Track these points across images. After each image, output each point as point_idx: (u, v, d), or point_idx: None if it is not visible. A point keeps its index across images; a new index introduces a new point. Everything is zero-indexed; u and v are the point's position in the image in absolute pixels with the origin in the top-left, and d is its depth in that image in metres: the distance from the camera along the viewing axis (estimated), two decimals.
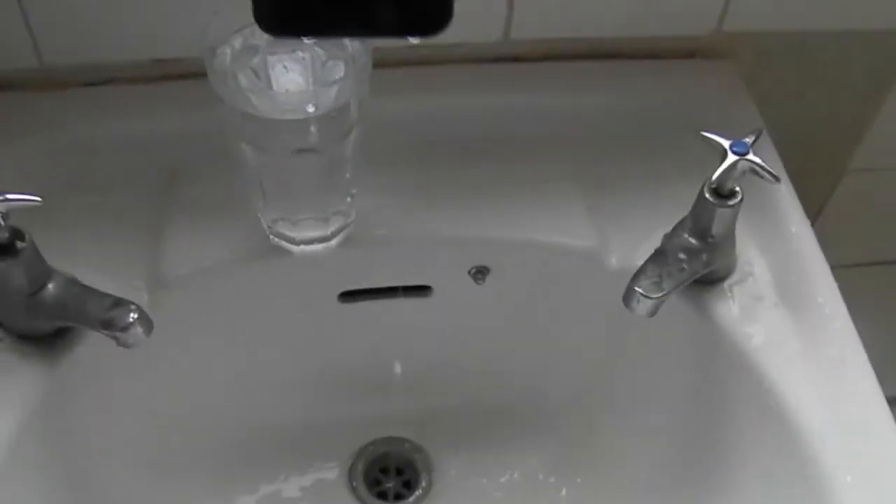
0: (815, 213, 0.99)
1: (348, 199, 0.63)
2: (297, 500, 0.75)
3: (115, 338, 0.57)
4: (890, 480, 0.58)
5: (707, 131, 0.59)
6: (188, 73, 0.68)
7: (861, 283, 1.08)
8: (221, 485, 0.73)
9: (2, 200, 0.54)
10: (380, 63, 0.58)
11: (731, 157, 0.58)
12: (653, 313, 0.59)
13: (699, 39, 0.74)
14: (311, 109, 0.54)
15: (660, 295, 0.58)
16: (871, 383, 0.61)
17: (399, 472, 0.77)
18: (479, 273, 0.68)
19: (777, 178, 0.58)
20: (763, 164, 0.58)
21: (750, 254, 0.67)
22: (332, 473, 0.76)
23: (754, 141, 0.59)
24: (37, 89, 0.69)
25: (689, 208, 0.62)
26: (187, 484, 0.72)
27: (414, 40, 0.35)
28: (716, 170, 0.58)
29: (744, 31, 0.74)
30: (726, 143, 0.59)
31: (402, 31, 0.33)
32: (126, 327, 0.57)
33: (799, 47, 0.77)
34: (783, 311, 0.64)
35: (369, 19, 0.33)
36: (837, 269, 0.68)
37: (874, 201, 1.00)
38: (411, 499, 0.76)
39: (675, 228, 0.63)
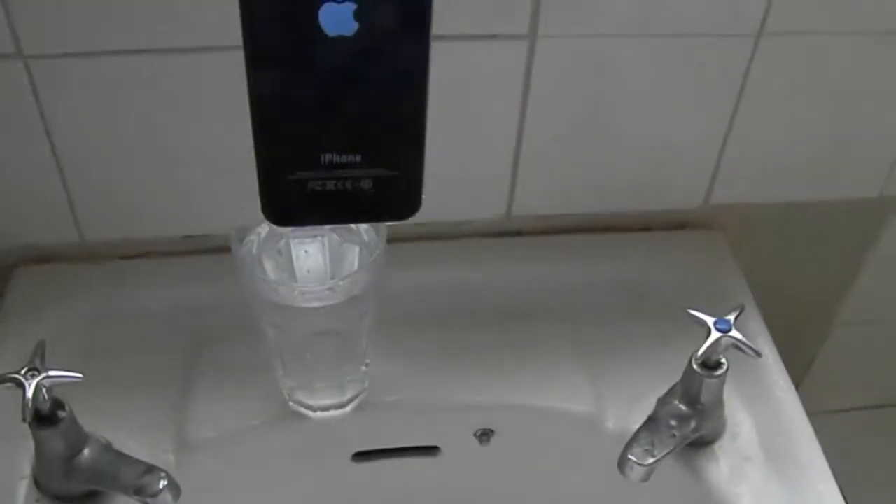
0: (808, 361, 1.03)
1: (363, 368, 0.68)
2: None
3: (146, 503, 0.62)
4: None
5: (693, 309, 0.65)
6: (216, 248, 0.74)
7: (860, 426, 1.12)
8: None
9: (45, 377, 0.59)
10: (394, 237, 0.63)
11: (715, 334, 0.63)
12: (646, 478, 0.63)
13: (688, 212, 0.80)
14: (330, 300, 0.59)
15: (651, 462, 0.63)
16: None
17: None
18: (485, 435, 0.73)
19: (758, 354, 0.63)
20: (744, 340, 0.63)
21: (738, 415, 0.71)
22: None
23: (737, 317, 0.64)
24: (76, 262, 0.76)
25: (681, 371, 0.67)
26: None
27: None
28: (702, 345, 0.63)
29: (730, 203, 0.80)
30: (710, 321, 0.64)
31: (380, 218, 0.42)
32: (156, 493, 0.61)
33: (783, 216, 0.83)
34: (770, 471, 0.68)
35: (354, 212, 0.41)
36: (832, 413, 0.72)
37: (865, 349, 1.04)
38: None
39: (666, 395, 0.68)
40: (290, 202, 0.40)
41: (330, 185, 0.39)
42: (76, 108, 0.66)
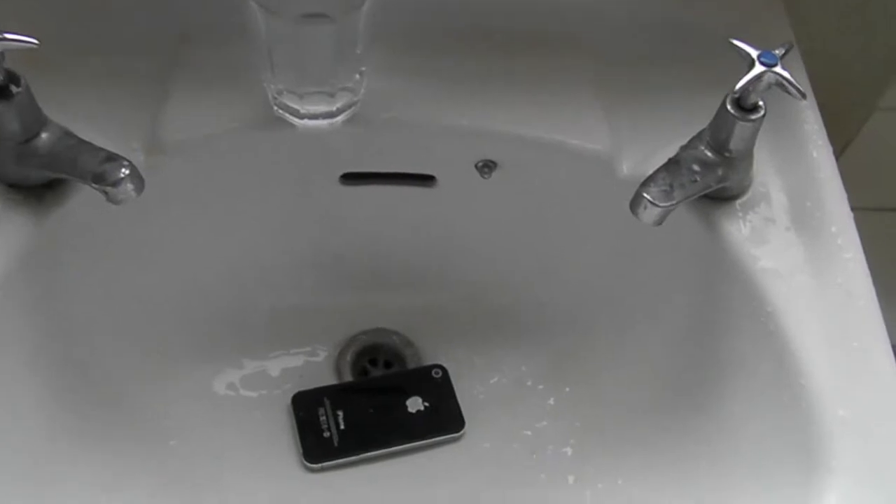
0: (838, 152, 0.96)
1: (357, 75, 0.61)
2: (279, 381, 0.74)
3: (105, 192, 0.56)
4: (882, 420, 0.57)
5: (736, 39, 0.57)
6: None
7: (878, 228, 1.06)
8: (205, 358, 0.72)
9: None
10: None
11: (759, 68, 0.55)
12: (659, 222, 0.57)
13: None
14: None
15: (668, 204, 0.56)
16: (876, 321, 0.60)
17: (387, 364, 0.76)
18: (486, 167, 0.66)
19: (803, 95, 0.56)
20: (791, 78, 0.55)
21: (766, 175, 0.65)
22: (318, 358, 0.75)
23: (784, 54, 0.56)
24: None
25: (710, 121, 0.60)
26: (172, 352, 0.71)
27: None
28: (740, 79, 0.56)
29: None
30: (755, 53, 0.56)
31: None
32: (117, 182, 0.56)
33: None
34: (794, 237, 0.62)
35: None
36: (855, 210, 0.66)
37: None
38: None
39: (692, 140, 0.61)
40: None
41: None
42: None
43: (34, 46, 0.53)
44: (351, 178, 0.67)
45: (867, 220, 0.75)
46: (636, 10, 0.70)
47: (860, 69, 0.85)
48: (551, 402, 0.75)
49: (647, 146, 0.65)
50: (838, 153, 0.95)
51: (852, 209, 0.64)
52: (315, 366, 0.75)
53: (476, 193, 0.68)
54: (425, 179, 0.68)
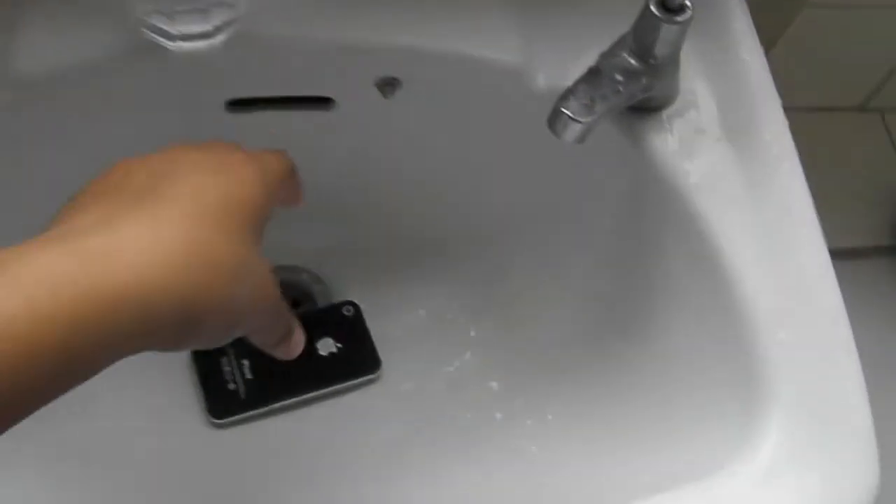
0: (766, 45, 0.91)
1: None
2: None
3: None
4: (823, 342, 0.53)
5: None
6: None
7: (806, 129, 1.02)
8: None
9: None
10: None
11: None
12: (581, 140, 0.52)
13: None
14: None
15: (590, 119, 0.51)
16: (815, 237, 0.55)
17: (295, 304, 0.70)
18: (388, 85, 0.60)
19: None
20: None
21: (694, 82, 0.59)
22: None
23: None
24: None
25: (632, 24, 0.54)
26: None
27: None
28: None
29: None
30: None
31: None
32: None
33: None
34: (726, 148, 0.57)
35: None
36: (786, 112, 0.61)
37: (824, 45, 0.93)
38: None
39: (613, 46, 0.55)
40: None
41: None
42: None
43: None
44: (238, 105, 0.60)
45: (796, 121, 0.71)
46: None
47: None
48: (473, 334, 0.70)
49: (564, 55, 0.59)
50: (765, 52, 0.90)
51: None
52: None
53: (379, 115, 0.61)
54: (322, 102, 0.61)
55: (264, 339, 0.43)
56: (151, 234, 0.34)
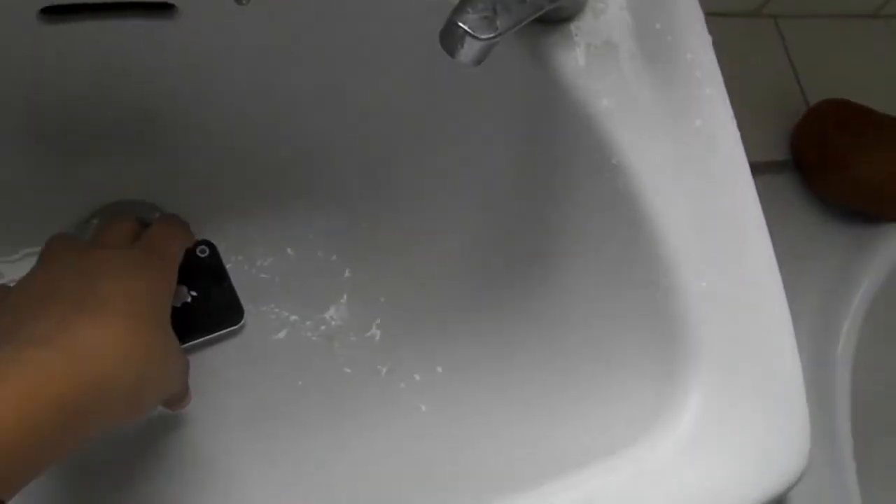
0: None
1: None
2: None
3: None
4: (747, 290, 0.47)
5: None
6: None
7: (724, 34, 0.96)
8: None
9: None
10: None
11: None
12: (479, 60, 0.43)
13: None
14: None
15: (491, 35, 0.42)
16: (741, 168, 0.49)
17: None
18: None
19: None
20: None
21: None
22: None
23: None
24: None
25: None
26: None
27: None
28: None
29: None
30: None
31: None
32: None
33: None
34: (642, 66, 0.50)
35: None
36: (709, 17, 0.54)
37: None
38: None
39: None
40: None
41: None
42: None
43: None
44: (56, 13, 0.48)
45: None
46: None
47: None
48: (348, 274, 0.62)
49: None
50: None
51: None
52: None
53: (232, 24, 0.50)
54: (161, 9, 0.50)
55: (173, 400, 0.51)
56: (101, 333, 0.42)
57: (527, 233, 0.55)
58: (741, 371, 0.46)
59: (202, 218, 0.59)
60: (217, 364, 0.58)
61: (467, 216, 0.58)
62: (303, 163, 0.61)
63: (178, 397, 0.51)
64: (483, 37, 0.42)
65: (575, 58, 0.49)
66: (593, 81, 0.49)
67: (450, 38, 0.42)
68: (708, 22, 0.88)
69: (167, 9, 0.49)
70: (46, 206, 0.57)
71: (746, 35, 1.01)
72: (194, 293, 0.58)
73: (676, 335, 0.46)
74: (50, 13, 0.48)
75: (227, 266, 0.59)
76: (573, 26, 0.49)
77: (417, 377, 0.57)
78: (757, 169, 0.75)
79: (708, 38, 0.51)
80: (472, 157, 0.56)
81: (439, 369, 0.57)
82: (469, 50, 0.42)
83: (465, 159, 0.57)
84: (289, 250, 0.62)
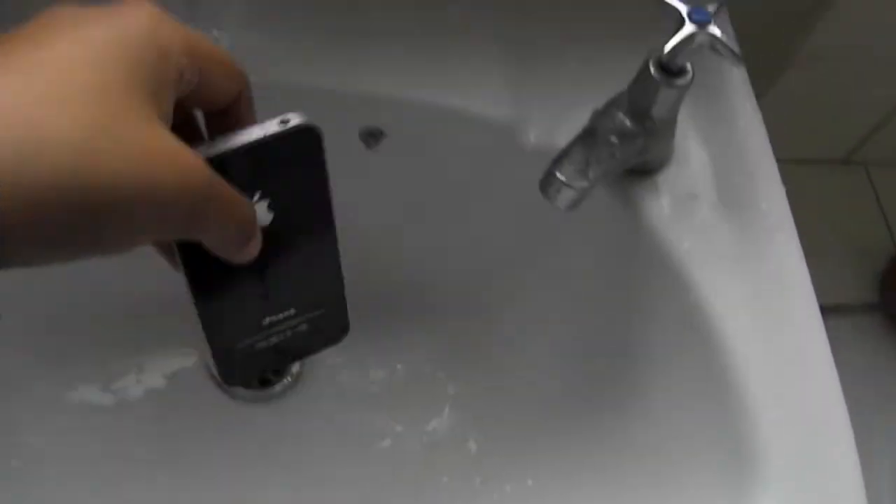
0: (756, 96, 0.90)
1: (214, 33, 0.51)
2: (159, 392, 0.64)
3: None
4: (817, 421, 0.51)
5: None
6: None
7: (790, 181, 1.01)
8: (57, 374, 0.62)
9: None
10: None
11: (689, 27, 0.47)
12: (574, 206, 0.49)
13: None
14: None
15: (585, 185, 0.49)
16: (810, 308, 0.54)
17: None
18: (372, 136, 0.57)
19: (740, 59, 0.48)
20: (725, 40, 0.47)
21: (689, 144, 0.58)
22: (188, 361, 0.66)
23: (717, 10, 0.49)
24: None
25: (627, 83, 0.52)
26: (18, 365, 0.61)
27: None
28: (668, 40, 0.48)
29: None
30: (684, 9, 0.48)
31: (319, 348, 0.43)
32: None
33: None
34: (721, 214, 0.55)
35: (296, 351, 0.42)
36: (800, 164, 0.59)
37: (810, 98, 0.92)
38: (278, 387, 0.66)
39: (608, 105, 0.53)
40: (243, 365, 0.41)
41: (273, 339, 0.41)
42: None
43: None
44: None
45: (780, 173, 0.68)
46: None
47: (776, 20, 0.79)
48: (451, 391, 0.68)
49: (557, 110, 0.57)
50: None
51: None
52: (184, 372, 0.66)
53: (362, 165, 0.58)
54: None
55: (213, 237, 0.33)
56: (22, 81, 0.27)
57: (611, 360, 0.60)
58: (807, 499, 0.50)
59: None
60: (324, 471, 0.64)
61: (559, 343, 0.64)
62: (416, 289, 0.68)
63: (222, 237, 0.33)
64: (577, 186, 0.48)
65: (660, 205, 0.55)
66: (676, 227, 0.55)
67: (548, 186, 0.49)
68: (799, 169, 0.94)
69: None
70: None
71: (837, 181, 1.06)
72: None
73: (750, 456, 0.50)
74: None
75: (341, 378, 0.66)
76: (660, 178, 0.56)
77: (508, 488, 0.62)
78: (847, 310, 0.79)
79: (782, 189, 0.56)
80: (564, 289, 0.62)
81: (529, 482, 0.62)
82: (564, 197, 0.48)
83: (559, 291, 0.63)
84: (399, 366, 0.68)
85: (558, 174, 0.48)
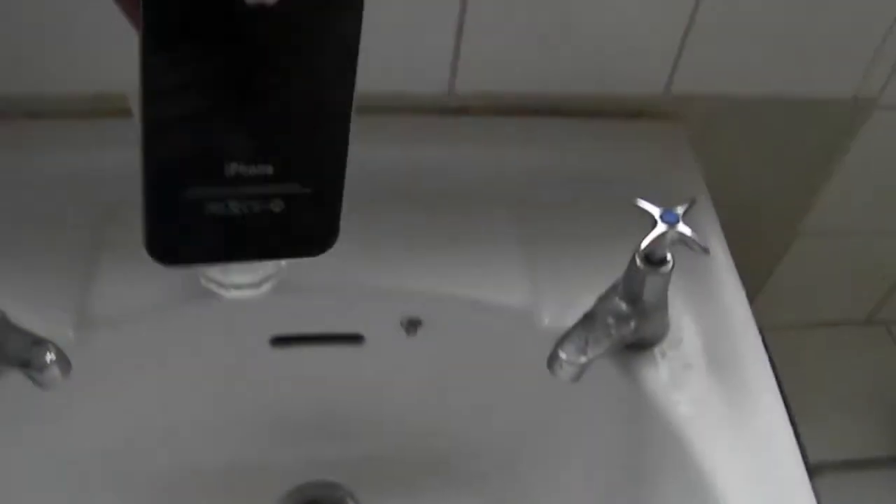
0: (767, 271, 0.99)
1: None
2: None
3: (33, 378, 0.57)
4: None
5: (641, 199, 0.59)
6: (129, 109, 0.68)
7: (813, 343, 1.09)
8: None
9: None
10: None
11: (661, 227, 0.58)
12: (576, 379, 0.59)
13: (647, 100, 0.74)
14: None
15: (583, 361, 0.58)
16: (794, 460, 0.61)
17: None
18: (411, 325, 0.68)
19: (706, 251, 0.58)
20: (691, 235, 0.58)
21: (682, 319, 0.67)
22: None
23: (686, 210, 0.59)
24: None
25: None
26: None
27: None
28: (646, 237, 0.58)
29: (692, 93, 0.74)
30: (657, 212, 0.58)
31: (289, 252, 0.33)
32: (43, 367, 0.56)
33: (748, 111, 0.78)
34: (712, 380, 0.64)
35: (258, 244, 0.32)
36: (789, 328, 0.68)
37: (827, 263, 1.00)
38: None
39: (608, 291, 0.63)
40: (182, 231, 0.31)
41: (234, 207, 0.31)
42: None
43: None
44: (281, 342, 0.69)
45: (803, 337, 0.76)
46: (556, 165, 0.72)
47: (777, 198, 0.89)
48: None
49: (567, 296, 0.67)
50: (765, 277, 0.98)
51: (780, 329, 0.67)
52: None
53: (403, 350, 0.69)
54: (353, 339, 0.69)
55: None
56: None
57: None
58: None
59: (377, 493, 0.76)
60: None
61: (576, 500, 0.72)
62: (455, 458, 0.77)
63: None
64: (577, 362, 0.58)
65: (658, 374, 0.64)
66: (673, 393, 0.63)
67: (553, 363, 0.59)
68: (822, 331, 1.02)
69: (358, 338, 0.69)
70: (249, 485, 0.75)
71: (859, 340, 1.13)
72: None
73: None
74: (277, 341, 0.68)
75: None
76: (657, 350, 0.65)
77: None
78: (877, 463, 0.85)
79: (765, 356, 0.65)
80: (578, 452, 0.71)
81: None
82: (566, 372, 0.58)
83: (574, 453, 0.72)
84: None
85: (561, 353, 0.58)
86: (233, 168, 0.30)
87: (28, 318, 0.60)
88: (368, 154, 0.68)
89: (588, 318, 0.61)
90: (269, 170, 0.30)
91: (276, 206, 0.31)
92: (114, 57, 0.64)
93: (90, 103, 0.69)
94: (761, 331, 0.66)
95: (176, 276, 0.65)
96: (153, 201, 0.30)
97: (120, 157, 0.66)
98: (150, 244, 0.31)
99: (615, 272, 0.62)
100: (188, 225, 0.30)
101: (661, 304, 0.63)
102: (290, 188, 0.31)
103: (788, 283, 1.00)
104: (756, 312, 0.68)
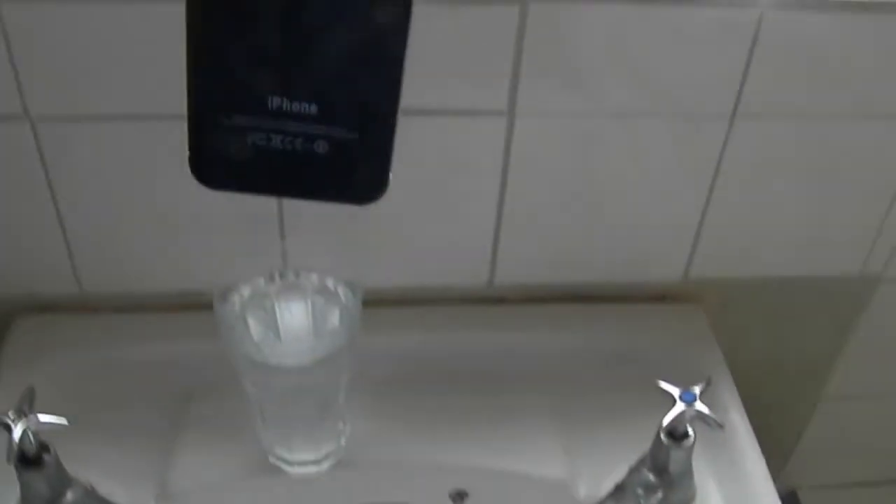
0: (796, 435, 1.04)
1: (340, 425, 0.71)
2: None
3: None
4: None
5: (662, 380, 0.66)
6: (209, 305, 0.77)
7: (852, 500, 1.12)
8: None
9: (32, 421, 0.61)
10: (377, 301, 0.67)
11: (680, 406, 0.65)
12: None
13: (668, 285, 0.82)
14: (310, 357, 0.62)
15: None
16: None
17: None
18: (459, 496, 0.74)
19: (721, 426, 0.64)
20: (707, 413, 0.64)
21: (707, 487, 0.73)
22: None
23: (702, 390, 0.66)
24: (75, 313, 0.79)
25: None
26: None
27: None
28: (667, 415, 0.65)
29: (709, 277, 0.82)
30: (676, 392, 0.65)
31: (335, 196, 0.33)
32: None
33: (763, 291, 0.85)
34: None
35: (302, 183, 0.32)
36: (824, 488, 0.72)
37: (854, 424, 1.05)
38: None
39: (636, 463, 0.69)
40: (224, 157, 0.30)
41: (276, 141, 0.30)
42: (79, 168, 0.69)
43: (65, 425, 0.62)
44: None
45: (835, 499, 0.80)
46: (587, 346, 0.80)
47: (796, 368, 0.95)
48: None
49: (602, 468, 0.73)
50: (794, 441, 1.03)
51: (820, 487, 0.71)
52: None
53: None
54: None
55: None
56: None
57: None
58: None
59: None
60: None
61: None
62: None
63: None
64: None
65: None
66: None
67: None
68: (856, 490, 1.05)
69: None
70: None
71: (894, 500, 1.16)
72: None
73: None
74: None
75: None
76: None
77: None
78: None
79: None
80: None
81: None
82: None
83: None
84: None
85: None
86: (275, 102, 0.29)
87: (113, 491, 0.68)
88: (417, 341, 0.78)
89: (619, 490, 0.68)
90: (314, 109, 0.30)
91: (321, 148, 0.31)
92: (196, 262, 0.75)
93: (173, 299, 0.78)
94: (796, 491, 0.71)
95: (248, 452, 0.72)
96: (196, 124, 0.30)
97: (196, 347, 0.76)
98: (194, 164, 0.31)
99: (644, 444, 0.69)
100: (230, 151, 0.31)
101: (687, 473, 0.69)
102: (336, 132, 0.31)
103: (819, 445, 1.05)
104: (791, 473, 0.73)
